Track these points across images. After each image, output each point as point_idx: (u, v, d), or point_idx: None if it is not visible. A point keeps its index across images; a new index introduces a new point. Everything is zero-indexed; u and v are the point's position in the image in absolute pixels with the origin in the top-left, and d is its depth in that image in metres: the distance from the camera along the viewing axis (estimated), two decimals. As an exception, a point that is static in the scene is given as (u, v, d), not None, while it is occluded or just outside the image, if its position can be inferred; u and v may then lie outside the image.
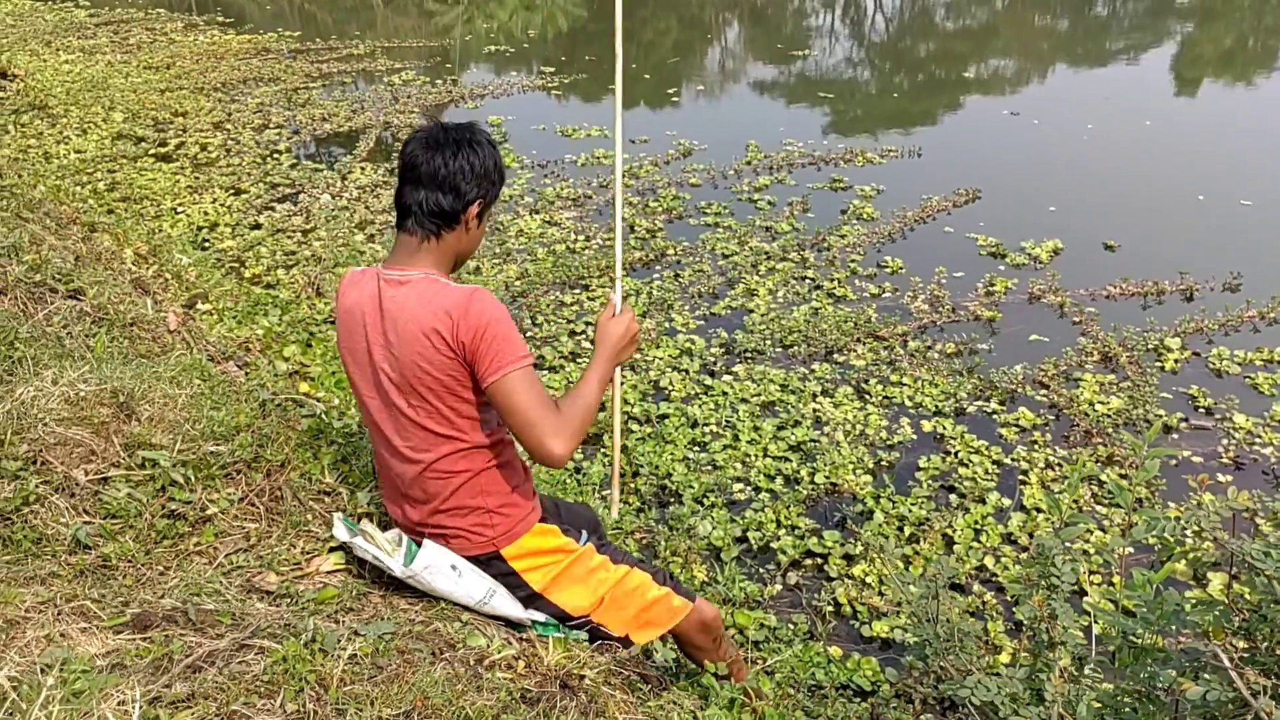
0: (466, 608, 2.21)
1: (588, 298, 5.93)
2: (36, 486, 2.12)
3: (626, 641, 2.39)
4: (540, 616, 2.34)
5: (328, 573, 2.17)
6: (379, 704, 1.69)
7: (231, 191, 7.86)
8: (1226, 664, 1.37)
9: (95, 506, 2.15)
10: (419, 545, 2.19)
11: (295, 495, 2.37)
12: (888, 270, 6.29)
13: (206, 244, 6.84)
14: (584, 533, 2.48)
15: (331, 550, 2.25)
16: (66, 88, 10.90)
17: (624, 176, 7.98)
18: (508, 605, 2.26)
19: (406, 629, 2.02)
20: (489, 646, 2.08)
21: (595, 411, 2.16)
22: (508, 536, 2.25)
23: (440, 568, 2.12)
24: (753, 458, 4.42)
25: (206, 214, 7.34)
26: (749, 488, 4.24)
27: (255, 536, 2.22)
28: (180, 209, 7.46)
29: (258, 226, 7.10)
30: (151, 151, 8.91)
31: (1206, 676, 1.42)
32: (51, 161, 8.57)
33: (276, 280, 6.14)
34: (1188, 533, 3.49)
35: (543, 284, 6.11)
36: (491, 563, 2.25)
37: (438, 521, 2.21)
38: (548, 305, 5.84)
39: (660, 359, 5.20)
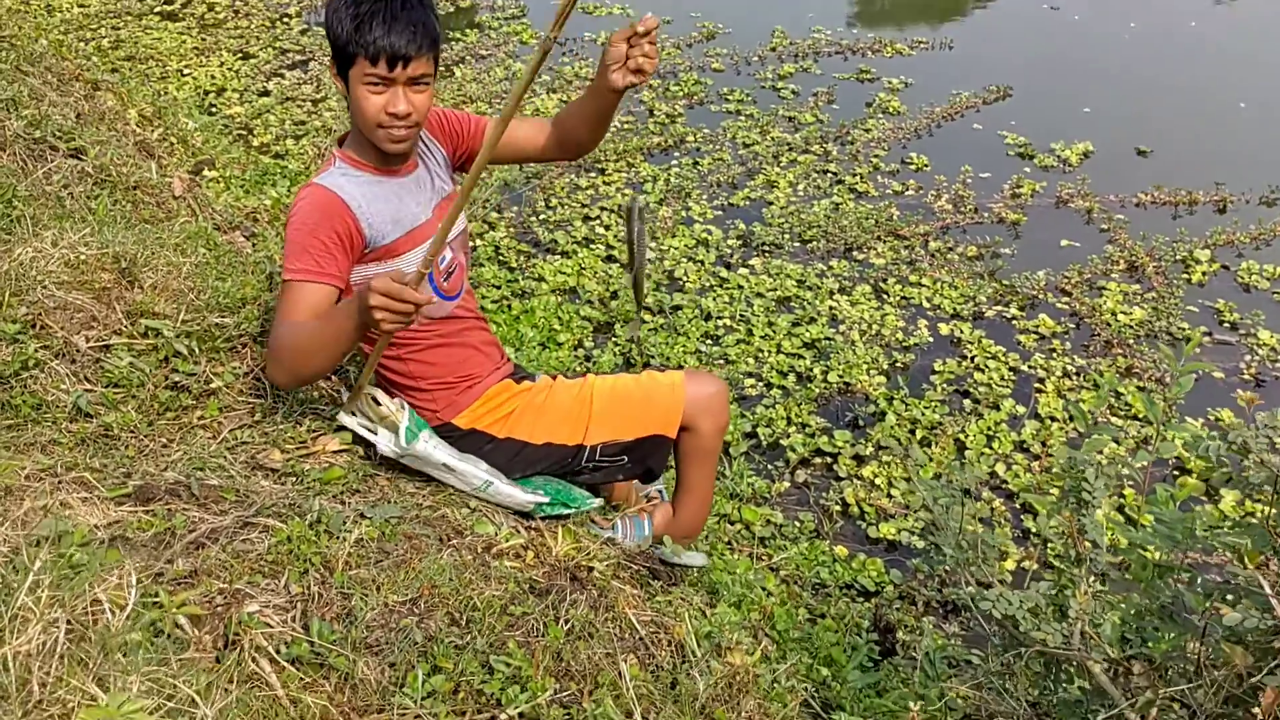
0: (471, 495, 2.17)
1: (603, 182, 5.77)
2: (36, 351, 2.05)
3: (654, 448, 2.40)
4: (544, 497, 2.30)
5: (334, 452, 2.12)
6: (385, 589, 1.65)
7: (239, 55, 7.61)
8: (1267, 590, 1.32)
9: (97, 374, 2.08)
10: (418, 420, 2.14)
11: (302, 372, 2.30)
12: (912, 167, 6.11)
13: (214, 109, 6.65)
14: (537, 375, 2.47)
15: (338, 430, 2.19)
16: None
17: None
18: (508, 490, 2.22)
19: (414, 514, 1.98)
20: (496, 534, 2.05)
21: (314, 356, 1.93)
22: (451, 409, 2.26)
23: (433, 462, 2.07)
24: (766, 353, 4.35)
25: (213, 78, 7.12)
26: (760, 383, 4.18)
27: (260, 412, 2.17)
28: (186, 71, 7.24)
29: (266, 93, 6.89)
30: (157, 9, 8.60)
31: (1244, 601, 1.37)
32: (54, 15, 8.29)
33: (285, 150, 5.98)
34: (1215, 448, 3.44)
35: (558, 166, 5.94)
36: (448, 435, 2.24)
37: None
38: (562, 188, 5.70)
39: (676, 249, 5.08)
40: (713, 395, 2.47)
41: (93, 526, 1.66)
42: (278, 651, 1.47)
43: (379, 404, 2.12)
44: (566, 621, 1.76)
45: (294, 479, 2.00)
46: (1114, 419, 3.98)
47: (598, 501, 2.35)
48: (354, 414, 2.13)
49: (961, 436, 3.87)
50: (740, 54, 7.91)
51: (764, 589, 2.70)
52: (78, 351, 2.10)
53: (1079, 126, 6.64)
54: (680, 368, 4.15)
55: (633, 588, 2.06)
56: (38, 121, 3.13)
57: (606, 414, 2.36)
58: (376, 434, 2.08)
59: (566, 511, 2.27)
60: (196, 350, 2.18)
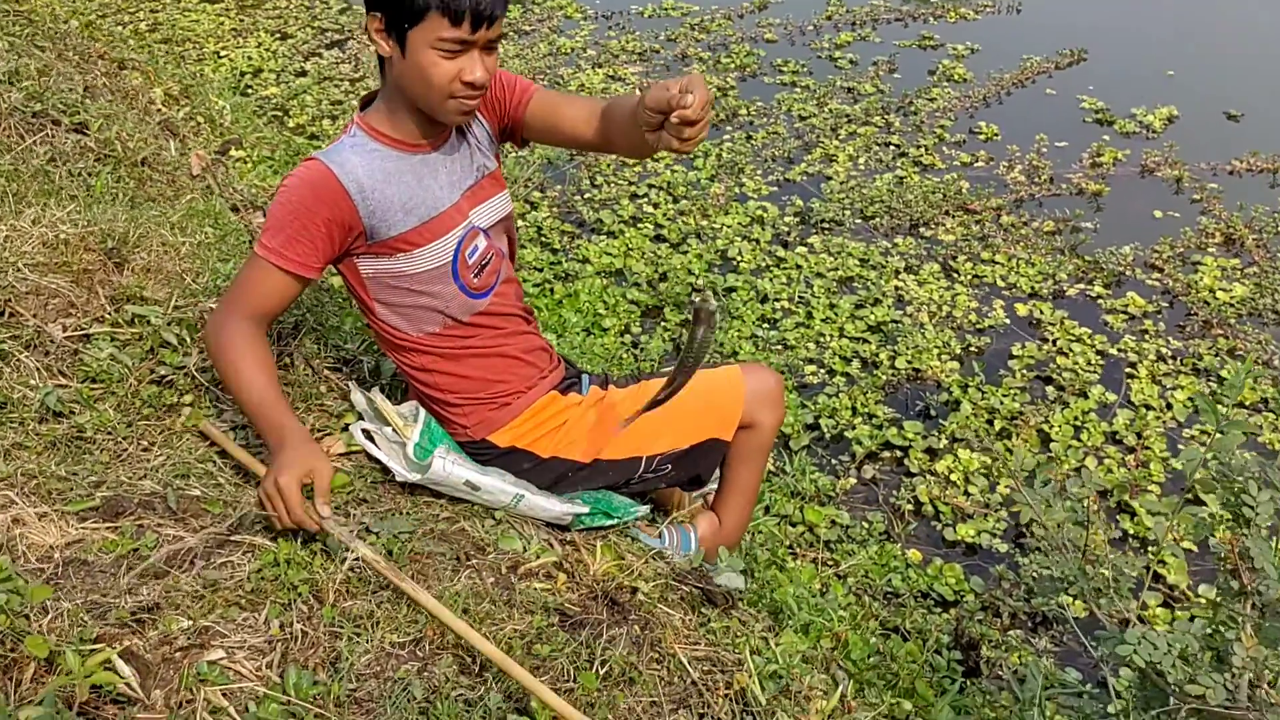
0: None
1: (652, 159, 5.46)
2: (3, 342, 1.80)
3: (706, 453, 2.12)
4: (583, 507, 2.01)
5: (340, 455, 1.85)
6: (383, 626, 1.38)
7: (277, 36, 7.41)
8: None
9: (73, 368, 1.84)
10: (436, 429, 1.85)
11: (308, 363, 2.05)
12: (981, 137, 5.71)
13: (249, 90, 6.46)
14: (585, 378, 2.17)
15: (346, 428, 1.92)
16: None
17: (694, 31, 7.40)
18: (542, 502, 1.93)
19: (428, 527, 1.71)
20: (525, 551, 1.76)
21: (233, 392, 1.73)
22: (485, 426, 1.94)
23: (453, 483, 1.79)
24: (827, 338, 4.02)
25: (250, 59, 6.93)
26: (822, 370, 3.86)
27: (257, 410, 1.90)
28: (223, 52, 7.06)
29: (303, 73, 6.68)
30: (197, -8, 8.45)
31: None
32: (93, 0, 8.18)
33: (321, 131, 5.75)
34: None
35: (603, 142, 5.63)
36: (482, 454, 1.94)
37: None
38: (608, 165, 5.39)
39: (729, 227, 4.76)
40: (772, 388, 2.18)
41: (47, 549, 1.40)
42: (242, 713, 1.20)
43: (387, 412, 1.84)
44: (603, 663, 1.47)
45: (292, 488, 1.73)
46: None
47: (643, 510, 2.06)
48: (366, 432, 1.85)
49: (1046, 427, 3.51)
50: (794, 24, 7.54)
51: (833, 606, 2.39)
52: (52, 342, 1.85)
53: (1162, 90, 6.17)
54: (734, 356, 3.86)
55: (682, 614, 1.76)
56: (38, 94, 2.90)
57: (665, 422, 2.07)
58: (389, 456, 1.81)
59: (608, 523, 1.98)
60: (188, 340, 1.93)
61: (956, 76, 6.49)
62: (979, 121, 5.86)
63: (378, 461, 1.86)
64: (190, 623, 1.30)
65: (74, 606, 1.24)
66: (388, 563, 1.45)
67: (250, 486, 1.70)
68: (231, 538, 1.50)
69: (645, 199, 5.07)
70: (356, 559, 1.47)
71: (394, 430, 1.82)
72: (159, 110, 4.40)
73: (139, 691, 1.16)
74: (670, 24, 7.59)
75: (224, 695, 1.20)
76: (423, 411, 1.89)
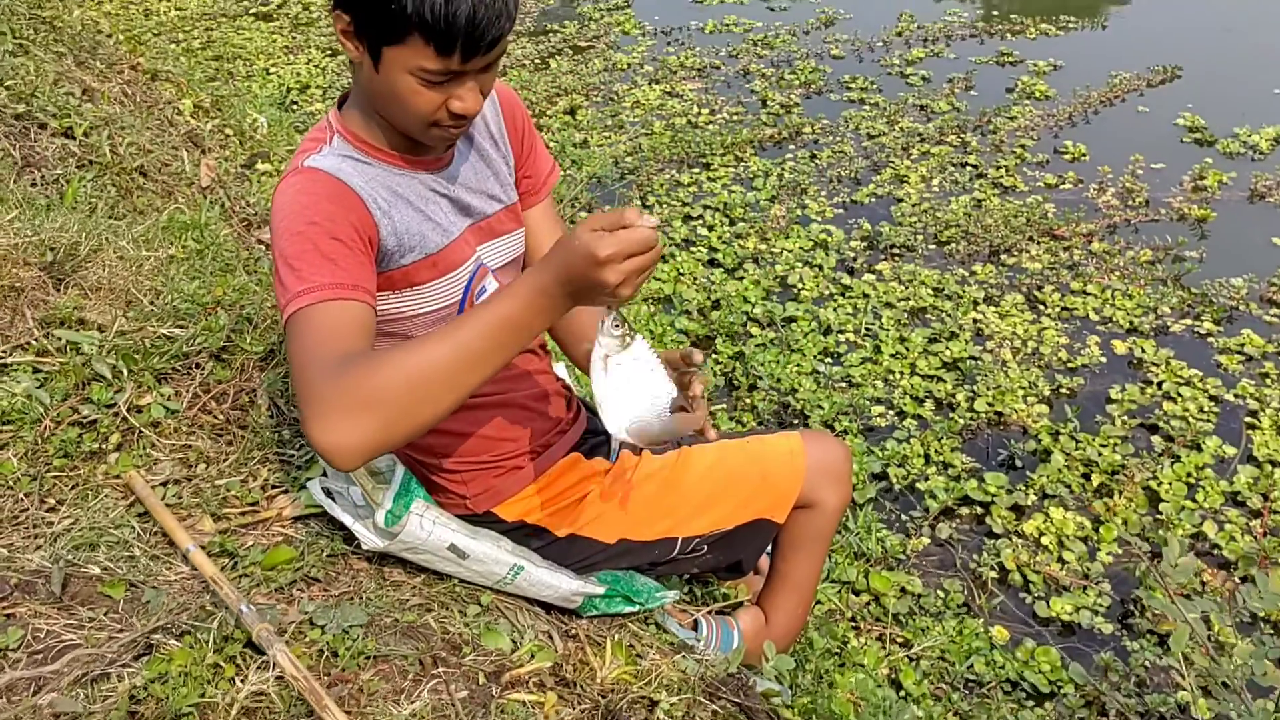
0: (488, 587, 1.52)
1: (708, 178, 5.10)
2: (-106, 374, 1.49)
3: (753, 535, 1.75)
4: (599, 588, 1.64)
5: (293, 520, 1.50)
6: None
7: (328, 53, 7.23)
8: None
9: (-21, 407, 1.51)
10: (415, 489, 1.49)
11: (273, 401, 1.70)
12: (1067, 157, 5.25)
13: (295, 105, 6.26)
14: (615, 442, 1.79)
15: (308, 483, 1.57)
16: (176, -55, 10.41)
17: (757, 47, 7.04)
18: (547, 578, 1.56)
19: (391, 617, 1.34)
20: (513, 651, 1.39)
21: (452, 378, 1.16)
22: (489, 496, 1.56)
23: (434, 548, 1.41)
24: (897, 375, 3.60)
25: (299, 75, 6.75)
26: (891, 412, 3.44)
27: (200, 460, 1.56)
28: (272, 69, 6.89)
29: (350, 89, 6.46)
30: (253, 10, 8.35)
31: None
32: (151, 18, 8.10)
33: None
34: None
35: (657, 161, 5.30)
36: (487, 523, 1.57)
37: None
38: (661, 185, 5.05)
39: (790, 251, 4.37)
40: (839, 461, 1.79)
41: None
42: None
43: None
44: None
45: (227, 559, 1.38)
46: (1354, 464, 3.10)
47: (672, 595, 1.68)
48: (328, 490, 1.50)
49: (1153, 484, 3.05)
50: (862, 40, 7.15)
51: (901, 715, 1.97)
52: (-43, 374, 1.53)
53: (1266, 109, 5.66)
54: (792, 393, 3.45)
55: (714, 739, 1.37)
56: (26, 95, 2.63)
57: (709, 500, 1.70)
58: (353, 520, 1.45)
59: (628, 609, 1.60)
60: (124, 372, 1.59)
61: (1038, 94, 6.04)
62: (1064, 141, 5.40)
63: (341, 524, 1.51)
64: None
65: None
66: (313, 679, 1.09)
67: (175, 561, 1.35)
68: (119, 634, 1.16)
69: (699, 220, 4.70)
70: (276, 671, 1.11)
71: (362, 493, 1.46)
72: (186, 121, 4.17)
73: None
74: (732, 40, 7.25)
75: None
76: (400, 470, 1.53)
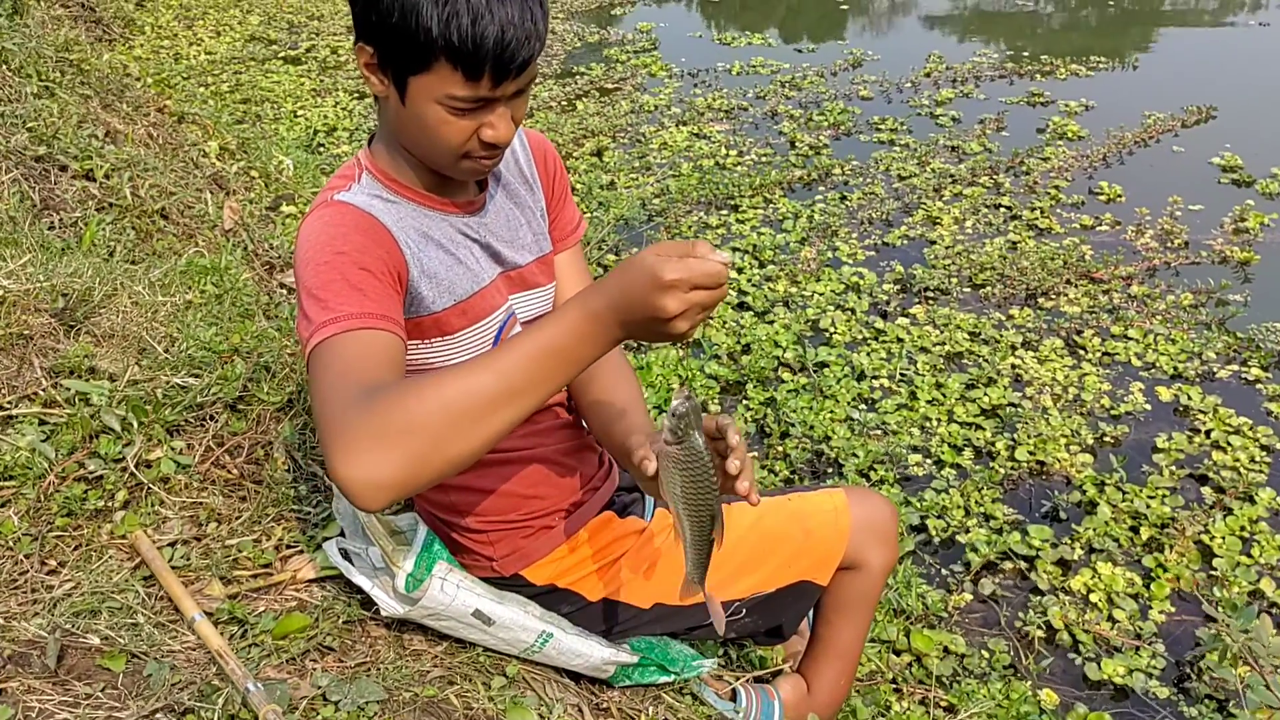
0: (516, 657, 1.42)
1: (736, 219, 5.03)
2: (-104, 427, 1.42)
3: (795, 599, 1.64)
4: (631, 656, 1.54)
5: (309, 582, 1.41)
6: None
7: (355, 95, 7.26)
8: None
9: (-18, 461, 1.44)
10: (439, 550, 1.40)
11: (289, 453, 1.62)
12: (1102, 198, 5.15)
13: (322, 148, 6.26)
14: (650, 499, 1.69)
15: (324, 543, 1.48)
16: (208, -10, 10.57)
17: (784, 88, 7.01)
18: (578, 645, 1.46)
19: (410, 691, 1.25)
20: (543, 730, 1.29)
21: (492, 408, 1.07)
22: (517, 559, 1.47)
23: (457, 614, 1.32)
24: (934, 422, 3.49)
25: (326, 118, 6.77)
26: (929, 461, 3.32)
27: (210, 518, 1.48)
28: (300, 112, 6.92)
29: (376, 132, 6.47)
30: (281, 54, 8.43)
31: None
32: (180, 62, 8.19)
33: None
34: None
35: (685, 202, 5.24)
36: (514, 586, 1.47)
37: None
38: (689, 227, 4.98)
39: (821, 294, 4.28)
40: (885, 520, 1.71)
41: None
42: None
43: (373, 527, 1.40)
44: None
45: (235, 627, 1.30)
46: None
47: (709, 664, 1.58)
48: (345, 551, 1.41)
49: (1205, 538, 2.91)
50: (890, 80, 7.12)
51: None
52: (-39, 427, 1.46)
53: (1306, 150, 5.55)
54: (826, 440, 3.34)
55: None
56: (47, 138, 2.60)
57: (750, 561, 1.61)
58: (371, 583, 1.36)
59: (663, 679, 1.50)
60: (134, 424, 1.52)
61: (1070, 134, 5.97)
62: (1099, 181, 5.31)
63: (359, 588, 1.42)
64: None
65: None
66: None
67: (180, 630, 1.27)
68: (118, 713, 1.07)
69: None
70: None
71: (381, 554, 1.38)
72: (211, 163, 4.15)
73: None
74: (759, 81, 7.23)
75: None
76: (422, 529, 1.44)
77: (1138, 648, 2.61)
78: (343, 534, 1.48)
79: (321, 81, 7.64)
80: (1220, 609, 2.62)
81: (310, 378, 1.14)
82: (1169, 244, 4.64)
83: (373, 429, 1.02)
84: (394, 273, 1.28)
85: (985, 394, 3.60)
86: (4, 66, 2.90)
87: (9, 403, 1.51)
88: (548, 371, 1.09)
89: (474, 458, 1.08)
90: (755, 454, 3.41)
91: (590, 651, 1.50)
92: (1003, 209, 5.07)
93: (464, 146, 1.29)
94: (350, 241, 1.25)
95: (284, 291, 2.63)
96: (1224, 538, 2.90)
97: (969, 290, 4.34)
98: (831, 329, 4.04)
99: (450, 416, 1.05)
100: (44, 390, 1.55)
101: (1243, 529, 2.93)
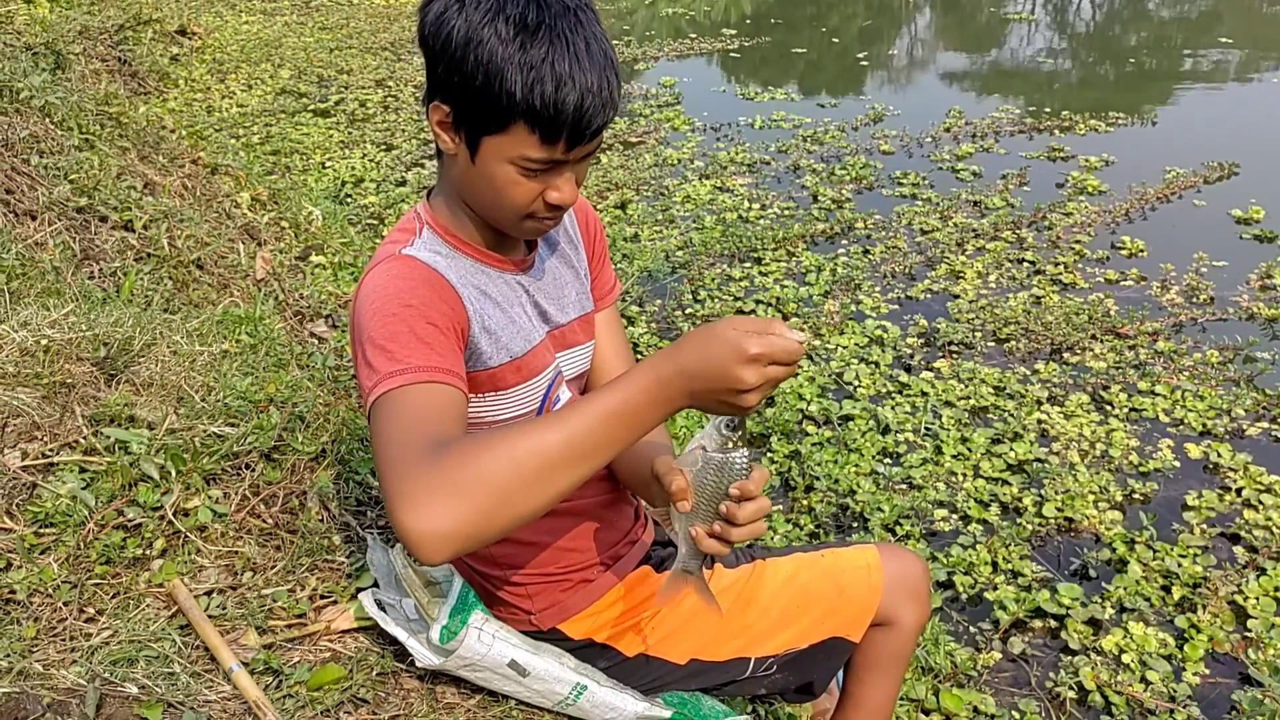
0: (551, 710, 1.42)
1: (759, 272, 5.06)
2: (-61, 474, 1.44)
3: (827, 655, 1.63)
4: (665, 710, 1.53)
5: (343, 632, 1.41)
6: None
7: (383, 147, 7.38)
8: None
9: (23, 507, 1.45)
10: (474, 603, 1.40)
11: (324, 504, 1.63)
12: (1124, 253, 5.16)
13: (349, 199, 6.35)
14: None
15: (359, 593, 1.49)
16: (241, 45, 10.80)
17: (806, 142, 7.08)
18: (612, 698, 1.46)
19: (445, 748, 1.24)
20: (576, 787, 1.28)
21: (561, 467, 1.07)
22: (556, 613, 1.47)
23: (493, 665, 1.32)
24: (960, 477, 3.47)
25: (354, 169, 6.88)
26: (955, 516, 3.30)
27: (246, 567, 1.49)
28: (328, 163, 7.03)
29: (403, 183, 6.56)
30: (311, 107, 8.58)
31: None
32: (213, 114, 8.35)
33: (415, 239, 5.54)
34: None
35: (708, 255, 5.27)
36: (552, 640, 1.47)
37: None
38: (712, 279, 5.01)
39: (845, 348, 4.28)
40: (917, 576, 1.69)
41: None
42: None
43: (409, 579, 1.40)
44: None
45: (270, 676, 1.30)
46: None
47: (742, 720, 1.56)
48: (381, 601, 1.42)
49: (1239, 598, 2.87)
50: (911, 135, 7.19)
51: None
52: (3, 474, 1.47)
53: (1331, 206, 5.55)
54: (851, 494, 3.32)
55: None
56: (89, 189, 2.65)
57: (783, 617, 1.61)
58: (407, 635, 1.36)
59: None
60: (172, 473, 1.53)
61: (1090, 189, 5.99)
62: (1122, 236, 5.32)
63: (394, 639, 1.42)
64: None
65: None
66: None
67: (216, 680, 1.27)
68: (157, 769, 1.07)
69: (751, 313, 4.64)
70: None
71: (416, 606, 1.38)
72: (243, 214, 4.22)
73: None
74: (781, 135, 7.30)
75: None
76: (457, 581, 1.44)
77: (1172, 710, 2.56)
78: (376, 585, 1.49)
79: (350, 134, 7.76)
80: (1265, 672, 2.57)
81: (374, 428, 1.15)
82: (1194, 299, 4.63)
83: (441, 482, 1.03)
84: (458, 328, 1.30)
85: (1011, 449, 3.58)
86: (47, 120, 2.97)
87: (51, 450, 1.53)
88: (614, 434, 1.11)
89: (536, 515, 1.09)
90: (779, 508, 3.39)
91: (624, 705, 1.49)
92: (1026, 263, 5.08)
93: (529, 207, 1.32)
94: (418, 295, 1.27)
95: (314, 341, 2.66)
96: (1258, 598, 2.86)
97: (993, 344, 4.34)
98: (856, 382, 4.04)
99: (519, 474, 1.05)
100: (85, 438, 1.57)
101: (1277, 589, 2.89)
